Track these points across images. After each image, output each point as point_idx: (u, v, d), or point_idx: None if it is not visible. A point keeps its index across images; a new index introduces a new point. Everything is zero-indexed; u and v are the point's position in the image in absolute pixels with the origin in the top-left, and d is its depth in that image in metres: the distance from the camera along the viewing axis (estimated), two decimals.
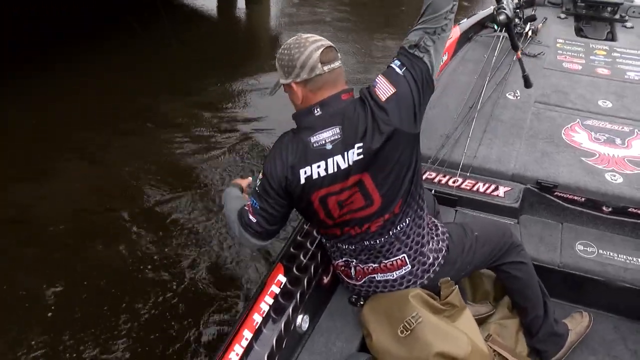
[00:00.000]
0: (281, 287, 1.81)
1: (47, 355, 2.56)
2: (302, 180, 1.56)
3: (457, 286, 1.77)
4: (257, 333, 1.66)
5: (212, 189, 3.80)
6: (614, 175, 2.55)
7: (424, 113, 1.62)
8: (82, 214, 3.48)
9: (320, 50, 1.53)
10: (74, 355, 2.56)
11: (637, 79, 3.75)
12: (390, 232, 1.66)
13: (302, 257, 1.94)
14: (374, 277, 1.76)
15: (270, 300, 1.75)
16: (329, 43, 1.57)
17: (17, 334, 2.65)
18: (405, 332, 1.63)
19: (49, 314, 2.77)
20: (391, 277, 1.74)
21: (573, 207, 2.47)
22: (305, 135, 1.56)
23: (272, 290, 1.78)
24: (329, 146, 1.53)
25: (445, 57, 3.68)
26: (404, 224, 1.66)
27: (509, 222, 2.41)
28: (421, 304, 1.69)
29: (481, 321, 2.02)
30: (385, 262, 1.71)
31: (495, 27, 4.19)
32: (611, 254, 2.29)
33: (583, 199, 2.45)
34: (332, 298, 2.01)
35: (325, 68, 1.53)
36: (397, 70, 1.58)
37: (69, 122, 4.65)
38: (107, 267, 3.05)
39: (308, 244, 1.99)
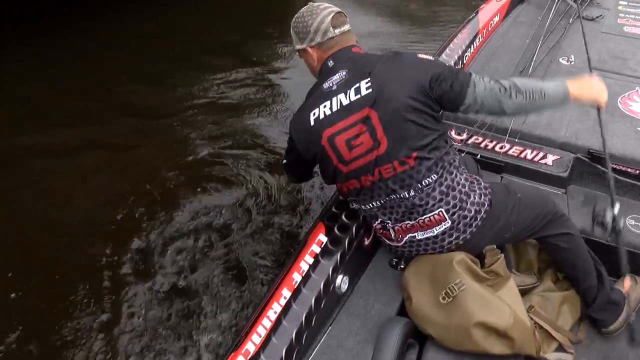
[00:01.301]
0: (322, 246, 1.80)
1: None
2: (312, 122, 1.70)
3: (502, 255, 1.73)
4: (296, 292, 1.66)
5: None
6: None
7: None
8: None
9: (332, 16, 1.75)
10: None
11: None
12: (417, 188, 1.65)
13: (344, 217, 1.92)
14: (415, 236, 1.75)
15: (311, 260, 1.75)
16: (338, 9, 1.78)
17: None
18: (447, 298, 1.61)
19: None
20: (432, 234, 1.73)
21: (626, 179, 2.37)
22: (320, 83, 1.75)
23: (312, 250, 1.78)
24: (334, 87, 1.69)
25: (497, 19, 3.54)
26: (430, 179, 1.65)
27: (556, 191, 2.33)
28: (465, 270, 1.66)
29: (524, 292, 1.97)
30: (422, 218, 1.70)
31: None
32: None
33: (637, 172, 2.35)
34: (373, 260, 2.00)
35: (337, 31, 1.75)
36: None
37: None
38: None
39: (353, 205, 1.97)
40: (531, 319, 1.83)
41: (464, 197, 1.70)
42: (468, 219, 1.70)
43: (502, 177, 2.41)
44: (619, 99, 2.78)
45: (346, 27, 1.78)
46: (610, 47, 3.40)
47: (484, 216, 1.72)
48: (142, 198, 3.24)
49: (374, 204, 1.74)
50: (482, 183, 1.80)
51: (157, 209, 3.15)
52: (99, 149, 3.74)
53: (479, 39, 3.22)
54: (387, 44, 5.50)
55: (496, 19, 3.53)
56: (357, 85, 1.64)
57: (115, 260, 2.82)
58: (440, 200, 1.68)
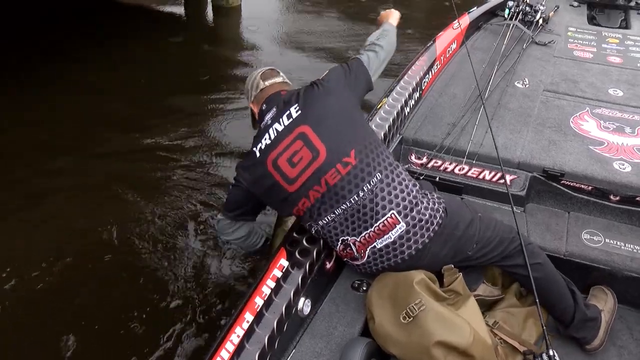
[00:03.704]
0: (283, 270, 1.82)
1: None
2: (258, 154, 1.84)
3: (460, 274, 1.77)
4: (259, 316, 1.68)
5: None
6: (623, 164, 2.52)
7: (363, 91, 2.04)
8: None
9: (262, 72, 2.06)
10: None
11: None
12: (365, 188, 1.74)
13: (304, 242, 1.95)
14: (375, 246, 1.79)
15: (272, 284, 1.77)
16: (270, 67, 2.10)
17: None
18: (407, 318, 1.64)
19: None
20: (389, 240, 1.77)
21: (580, 195, 2.45)
22: (259, 125, 1.93)
23: (274, 274, 1.80)
24: (269, 122, 1.85)
25: (454, 46, 3.65)
26: (375, 179, 1.76)
27: (515, 210, 2.40)
28: (425, 290, 1.70)
29: (490, 304, 2.02)
30: (377, 224, 1.76)
31: (506, 15, 4.15)
32: (618, 243, 2.27)
33: (590, 188, 2.43)
34: (335, 284, 2.02)
35: (267, 83, 2.02)
36: (339, 67, 2.02)
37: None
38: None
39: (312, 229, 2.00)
40: (495, 334, 1.87)
41: (414, 200, 1.78)
42: (423, 222, 1.76)
43: (462, 198, 2.46)
44: (571, 119, 2.88)
45: (277, 79, 2.04)
46: (562, 71, 3.53)
47: (440, 222, 1.79)
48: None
49: (329, 217, 1.80)
50: (435, 195, 1.88)
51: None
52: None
53: (437, 65, 3.31)
54: None
55: (453, 45, 3.63)
56: (288, 111, 1.81)
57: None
58: (390, 202, 1.76)
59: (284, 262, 1.85)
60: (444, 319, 1.63)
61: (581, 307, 1.94)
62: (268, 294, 1.73)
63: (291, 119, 1.79)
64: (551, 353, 1.64)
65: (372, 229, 1.77)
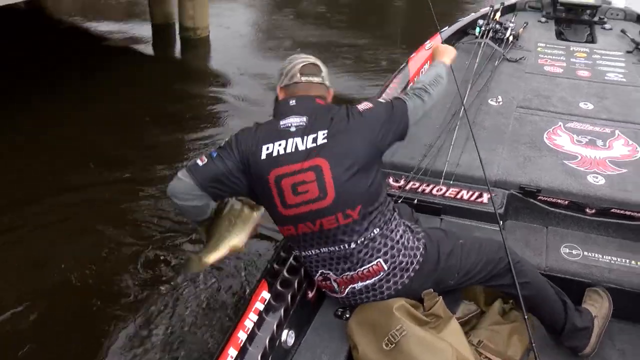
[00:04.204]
0: (265, 303, 1.81)
1: None
2: (263, 156, 1.68)
3: (440, 297, 1.78)
4: (243, 351, 1.66)
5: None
6: (596, 177, 2.56)
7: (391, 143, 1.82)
8: None
9: (303, 64, 1.82)
10: None
11: (617, 80, 3.79)
12: (359, 241, 1.71)
13: (285, 273, 1.94)
14: (354, 287, 1.79)
15: (255, 317, 1.75)
16: (313, 61, 1.86)
17: None
18: (390, 345, 1.64)
19: None
20: (369, 282, 1.77)
21: (557, 210, 2.48)
22: (277, 119, 1.75)
23: (256, 307, 1.79)
24: (292, 129, 1.70)
25: (427, 67, 3.70)
26: (373, 233, 1.72)
27: (494, 228, 2.42)
28: (406, 315, 1.70)
29: (473, 327, 2.03)
30: (362, 269, 1.75)
31: (476, 33, 4.23)
32: (596, 255, 2.30)
33: (566, 202, 2.47)
34: (318, 312, 2.01)
35: (303, 78, 1.80)
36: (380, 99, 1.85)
37: None
38: None
39: (292, 260, 1.99)
40: (481, 354, 1.88)
41: (401, 247, 1.77)
42: (404, 264, 1.76)
43: (441, 219, 2.48)
44: (545, 134, 2.93)
45: (315, 79, 1.82)
46: (534, 86, 3.60)
47: (421, 260, 1.78)
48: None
49: (312, 252, 1.78)
50: (416, 228, 1.87)
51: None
52: None
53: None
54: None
55: (427, 66, 3.68)
56: (315, 134, 1.67)
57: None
58: (379, 250, 1.74)
59: (265, 295, 1.84)
60: (426, 343, 1.63)
61: (572, 318, 1.94)
62: (251, 327, 1.72)
63: (314, 145, 1.66)
64: None
65: (355, 272, 1.76)
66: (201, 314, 2.91)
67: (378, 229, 1.73)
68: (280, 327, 1.79)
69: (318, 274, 1.84)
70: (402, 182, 2.60)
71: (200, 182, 1.68)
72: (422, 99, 1.86)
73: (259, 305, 1.80)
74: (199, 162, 1.71)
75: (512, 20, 4.64)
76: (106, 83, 6.10)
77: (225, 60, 7.17)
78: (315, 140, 1.67)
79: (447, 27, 4.34)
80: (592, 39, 4.79)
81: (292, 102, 1.76)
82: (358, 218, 1.69)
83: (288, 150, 1.67)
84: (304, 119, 1.71)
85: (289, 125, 1.70)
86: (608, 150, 2.81)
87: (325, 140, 1.66)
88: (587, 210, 2.44)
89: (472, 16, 4.61)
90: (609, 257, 2.29)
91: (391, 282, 1.76)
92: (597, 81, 3.74)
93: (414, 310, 1.73)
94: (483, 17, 4.51)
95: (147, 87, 6.12)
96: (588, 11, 5.05)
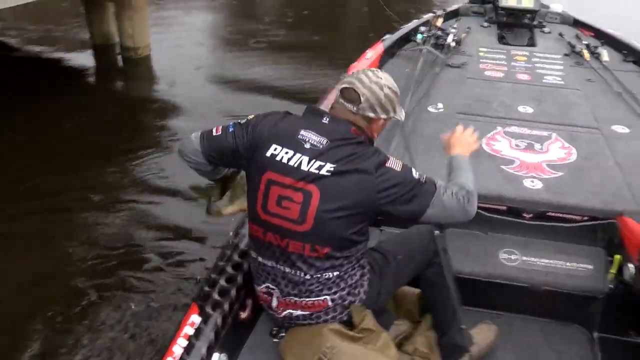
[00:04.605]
0: (195, 327, 1.75)
1: None
2: (268, 154, 1.67)
3: (368, 310, 1.76)
4: None
5: None
6: (533, 181, 2.59)
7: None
8: None
9: (345, 86, 1.73)
10: None
11: (555, 83, 3.86)
12: (315, 277, 1.69)
13: (216, 295, 1.89)
14: (292, 313, 1.77)
15: (184, 343, 1.70)
16: (358, 87, 1.70)
17: None
18: None
19: None
20: (308, 313, 1.76)
21: (496, 216, 2.49)
22: (301, 125, 1.71)
23: (185, 332, 1.73)
24: (307, 145, 1.65)
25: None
26: (331, 274, 1.70)
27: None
28: (337, 334, 1.69)
29: (408, 337, 2.01)
30: (307, 300, 1.73)
31: (418, 40, 4.26)
32: (534, 259, 2.33)
33: (505, 208, 2.48)
34: (252, 332, 1.97)
35: (340, 100, 1.73)
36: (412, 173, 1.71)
37: None
38: None
39: (222, 282, 1.95)
40: None
41: (351, 288, 1.74)
42: (347, 302, 1.75)
43: (381, 230, 2.47)
44: (484, 140, 2.95)
45: (349, 106, 1.71)
46: (475, 92, 3.64)
47: (363, 297, 1.77)
48: None
49: (270, 264, 1.74)
50: (363, 262, 1.80)
51: None
52: None
53: None
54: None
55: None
56: (323, 164, 1.62)
57: None
58: (330, 288, 1.72)
59: (195, 318, 1.78)
60: (357, 358, 1.63)
61: (454, 332, 1.94)
62: (180, 354, 1.66)
63: (316, 172, 1.62)
64: None
65: (300, 300, 1.74)
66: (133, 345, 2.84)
67: (337, 272, 1.70)
68: (210, 351, 1.73)
69: (263, 286, 1.80)
70: None
71: (206, 149, 1.76)
72: (457, 199, 1.71)
73: (189, 330, 1.74)
74: (214, 132, 1.77)
75: (455, 26, 4.70)
76: (47, 109, 5.83)
77: (169, 79, 7.01)
78: (320, 168, 1.62)
79: (389, 35, 4.36)
80: (532, 43, 4.88)
81: (325, 120, 1.72)
82: (322, 257, 1.67)
83: (291, 163, 1.64)
84: (324, 141, 1.66)
85: (307, 140, 1.67)
86: (545, 154, 2.84)
87: (328, 174, 1.62)
88: (525, 215, 2.46)
89: (414, 23, 4.66)
90: (547, 261, 2.32)
91: (330, 315, 1.75)
92: (536, 84, 3.80)
93: (344, 329, 1.71)
94: (425, 23, 4.57)
95: (90, 112, 5.89)
96: (528, 15, 5.14)
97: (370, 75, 1.74)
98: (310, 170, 1.62)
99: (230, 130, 1.75)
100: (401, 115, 1.84)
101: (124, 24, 7.36)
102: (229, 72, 7.26)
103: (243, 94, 6.53)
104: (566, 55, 4.48)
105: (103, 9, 7.57)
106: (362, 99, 1.70)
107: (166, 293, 3.24)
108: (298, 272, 1.70)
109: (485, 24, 5.18)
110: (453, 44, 4.34)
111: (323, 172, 1.62)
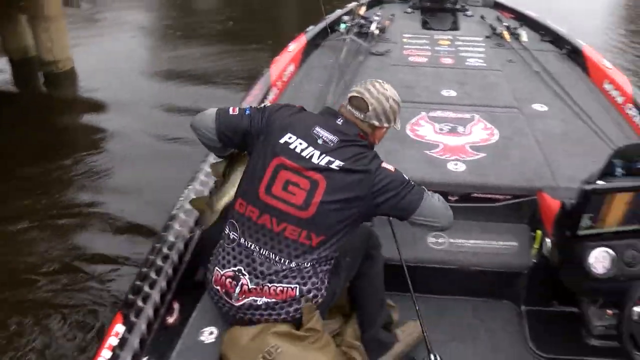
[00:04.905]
0: (119, 337, 1.70)
1: None
2: (282, 141, 1.76)
3: (317, 311, 1.76)
4: None
5: None
6: (457, 164, 2.62)
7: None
8: None
9: (354, 95, 1.86)
10: None
11: (477, 65, 3.94)
12: (298, 264, 1.70)
13: (140, 302, 1.84)
14: (257, 300, 1.72)
15: (108, 354, 1.65)
16: (367, 96, 1.84)
17: None
18: None
19: None
20: (272, 301, 1.72)
21: None
22: (317, 122, 1.82)
23: (109, 344, 1.68)
24: (320, 141, 1.76)
25: (292, 68, 3.66)
26: (309, 264, 1.72)
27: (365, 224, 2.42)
28: (282, 335, 1.69)
29: (340, 332, 2.02)
30: (277, 286, 1.71)
31: (342, 29, 4.25)
32: (461, 241, 2.36)
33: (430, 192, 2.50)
34: (182, 336, 1.93)
35: (348, 107, 1.85)
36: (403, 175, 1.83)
37: None
38: None
39: (146, 288, 1.89)
40: (345, 353, 1.90)
41: (318, 283, 1.75)
42: (311, 295, 1.74)
43: None
44: (408, 126, 2.97)
45: (357, 113, 1.83)
46: (399, 78, 3.65)
47: (324, 293, 1.77)
48: None
49: (249, 244, 1.73)
50: (333, 259, 1.82)
51: None
52: None
53: (274, 91, 3.30)
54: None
55: (291, 68, 3.65)
56: (332, 159, 1.72)
57: None
58: (303, 278, 1.72)
59: (119, 328, 1.73)
60: (300, 357, 1.66)
61: (378, 329, 2.00)
62: None
63: (325, 166, 1.71)
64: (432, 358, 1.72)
65: (271, 286, 1.71)
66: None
67: (318, 266, 1.73)
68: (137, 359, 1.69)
69: (232, 269, 1.75)
70: None
71: (219, 126, 1.82)
72: (443, 203, 1.90)
73: (113, 340, 1.69)
74: (230, 111, 1.85)
75: (378, 14, 4.72)
76: None
77: (97, 91, 6.60)
78: (329, 163, 1.72)
79: (312, 27, 4.33)
80: (455, 27, 4.96)
81: (340, 121, 1.83)
82: (314, 246, 1.71)
83: (303, 154, 1.73)
84: (335, 140, 1.77)
85: (320, 136, 1.77)
86: (468, 136, 2.89)
87: (337, 169, 1.71)
88: (450, 197, 2.49)
89: (337, 13, 4.65)
90: (474, 241, 2.37)
91: (292, 307, 1.73)
92: (459, 67, 3.87)
93: (290, 329, 1.71)
94: (349, 13, 4.56)
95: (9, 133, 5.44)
96: (450, 0, 5.23)
97: (377, 86, 1.88)
98: (320, 163, 1.72)
99: (247, 113, 1.84)
100: (398, 125, 1.98)
101: (40, 37, 6.82)
102: (162, 67, 7.09)
103: (178, 86, 6.40)
104: (487, 37, 4.58)
105: (15, 21, 7.00)
106: (370, 108, 1.84)
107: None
108: (283, 258, 1.70)
109: (409, 10, 5.24)
110: (377, 31, 4.36)
111: (333, 166, 1.71)
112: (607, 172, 2.08)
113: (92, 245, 3.73)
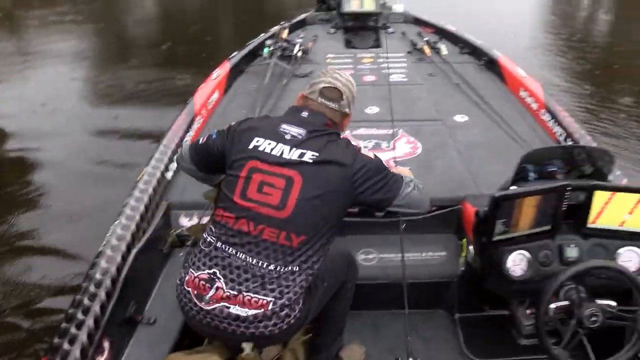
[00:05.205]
0: None
1: None
2: (251, 146, 1.74)
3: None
4: None
5: None
6: None
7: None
8: None
9: (325, 86, 1.85)
10: None
11: (399, 81, 4.03)
12: (277, 268, 1.64)
13: (66, 345, 1.77)
14: (229, 308, 1.64)
15: None
16: (338, 85, 1.86)
17: None
18: None
19: None
20: (244, 315, 1.63)
21: (350, 219, 2.52)
22: (282, 120, 1.82)
23: None
24: (288, 136, 1.74)
25: (216, 95, 3.65)
26: (290, 269, 1.65)
27: None
28: None
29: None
30: (252, 296, 1.63)
31: (265, 54, 4.28)
32: (391, 255, 2.39)
33: (357, 210, 2.52)
34: None
35: (320, 100, 1.84)
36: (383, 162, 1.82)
37: None
38: None
39: (73, 329, 1.82)
40: None
41: (291, 301, 1.66)
42: (281, 318, 1.65)
43: None
44: None
45: (331, 104, 1.83)
46: None
47: (297, 315, 1.69)
48: None
49: (230, 251, 1.67)
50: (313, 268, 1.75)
51: None
52: None
53: (199, 120, 3.28)
54: None
55: (215, 95, 3.64)
56: (304, 151, 1.69)
57: None
58: (280, 287, 1.64)
59: None
60: None
61: (331, 355, 2.03)
62: None
63: (298, 160, 1.68)
64: None
65: (246, 294, 1.63)
66: None
67: (296, 268, 1.66)
68: None
69: (207, 271, 1.67)
70: (195, 219, 2.50)
71: (193, 156, 1.91)
72: (419, 190, 1.87)
73: None
74: (200, 141, 1.91)
75: (301, 36, 4.77)
76: None
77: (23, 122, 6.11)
78: (301, 156, 1.69)
79: (236, 53, 4.34)
80: (378, 44, 5.07)
81: (304, 114, 1.81)
82: (295, 247, 1.65)
83: (274, 152, 1.70)
84: (303, 132, 1.74)
85: (287, 132, 1.75)
86: (392, 151, 2.94)
87: (311, 161, 1.68)
88: (377, 213, 2.52)
89: (260, 37, 4.67)
90: (402, 255, 2.39)
91: (262, 323, 1.64)
92: (382, 84, 3.93)
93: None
94: (272, 37, 4.59)
95: None
96: (372, 18, 5.35)
97: (342, 75, 1.91)
98: (292, 157, 1.69)
99: (214, 137, 1.87)
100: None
101: None
102: (97, 93, 6.85)
103: (111, 112, 6.14)
104: (409, 53, 4.69)
105: None
106: (343, 96, 1.86)
107: None
108: (261, 261, 1.64)
109: (332, 31, 5.31)
110: (300, 53, 4.39)
111: (305, 159, 1.68)
112: (522, 177, 2.16)
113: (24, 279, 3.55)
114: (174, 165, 2.79)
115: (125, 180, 3.75)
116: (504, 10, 10.13)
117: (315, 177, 1.68)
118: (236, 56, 4.26)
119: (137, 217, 2.35)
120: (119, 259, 2.15)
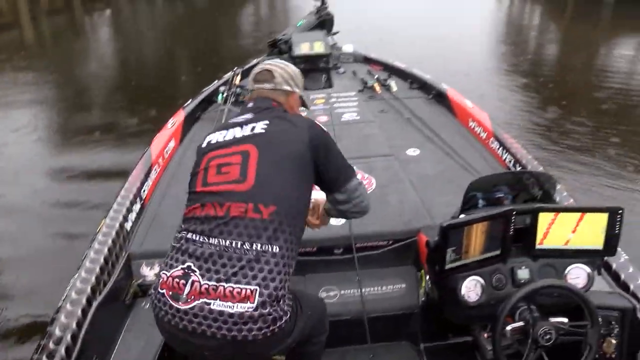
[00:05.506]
0: None
1: None
2: (204, 144, 1.80)
3: None
4: None
5: None
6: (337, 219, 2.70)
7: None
8: None
9: (258, 71, 1.95)
10: None
11: (352, 119, 4.12)
12: (253, 246, 1.55)
13: None
14: (209, 304, 1.51)
15: None
16: (268, 67, 1.94)
17: None
18: None
19: None
20: (228, 310, 1.50)
21: (309, 258, 2.56)
22: (230, 118, 1.93)
23: None
24: (238, 122, 1.80)
25: (172, 144, 3.68)
26: (269, 248, 1.56)
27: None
28: None
29: None
30: (233, 285, 1.51)
31: (219, 100, 4.33)
32: (350, 291, 2.43)
33: (314, 249, 2.56)
34: None
35: (256, 86, 1.93)
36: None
37: None
38: None
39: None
40: None
41: (280, 294, 1.56)
42: (269, 320, 1.54)
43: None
44: None
45: (266, 85, 1.90)
46: None
47: (287, 320, 1.59)
48: None
49: (200, 239, 1.58)
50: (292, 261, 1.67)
51: None
52: None
53: (156, 170, 3.29)
54: None
55: (172, 144, 3.66)
56: (255, 124, 1.74)
57: None
58: (264, 279, 1.53)
59: None
60: None
61: None
62: None
63: (251, 133, 1.72)
64: None
65: (227, 285, 1.51)
66: None
67: (276, 248, 1.57)
68: None
69: (180, 267, 1.57)
70: (156, 269, 2.49)
71: None
72: (365, 189, 1.93)
73: None
74: None
75: None
76: None
77: None
78: (253, 129, 1.73)
79: (190, 101, 4.38)
80: (329, 84, 5.18)
81: (250, 105, 1.89)
82: (267, 218, 1.58)
83: (226, 138, 1.74)
84: (251, 115, 1.81)
85: (236, 122, 1.80)
86: None
87: (263, 130, 1.72)
88: (336, 251, 2.56)
89: (214, 84, 4.73)
90: (364, 290, 2.42)
91: (244, 330, 1.51)
92: (335, 124, 4.02)
93: None
94: (225, 83, 4.66)
95: None
96: (323, 59, 5.46)
97: (274, 61, 2.01)
98: (244, 134, 1.73)
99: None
100: (308, 103, 2.09)
101: None
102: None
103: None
104: (360, 91, 4.82)
105: None
106: (276, 74, 1.92)
107: None
108: (235, 241, 1.55)
109: None
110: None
111: (257, 131, 1.72)
112: (472, 205, 2.24)
113: None
114: (133, 216, 2.78)
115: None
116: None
117: (271, 143, 1.70)
118: (190, 104, 4.30)
119: (97, 269, 2.33)
120: (79, 313, 2.12)
